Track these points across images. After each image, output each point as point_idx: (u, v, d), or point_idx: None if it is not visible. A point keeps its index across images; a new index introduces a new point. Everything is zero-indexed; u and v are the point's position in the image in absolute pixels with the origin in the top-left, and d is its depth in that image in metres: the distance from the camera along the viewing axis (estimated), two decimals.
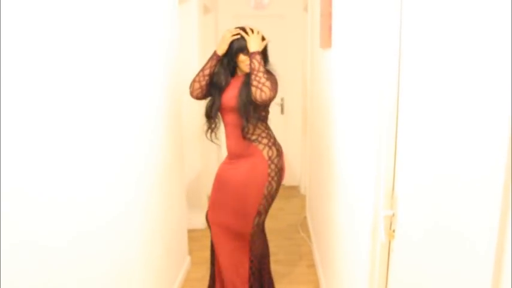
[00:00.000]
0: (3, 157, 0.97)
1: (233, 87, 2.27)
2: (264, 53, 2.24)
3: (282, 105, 4.65)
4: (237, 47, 2.22)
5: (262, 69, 2.11)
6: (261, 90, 2.07)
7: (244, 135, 2.25)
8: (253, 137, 2.26)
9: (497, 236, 0.69)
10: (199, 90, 2.30)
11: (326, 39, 2.45)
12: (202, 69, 2.29)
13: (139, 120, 1.93)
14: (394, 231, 1.20)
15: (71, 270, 1.29)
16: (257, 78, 2.08)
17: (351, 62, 1.78)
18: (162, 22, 2.35)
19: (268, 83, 2.08)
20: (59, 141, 1.22)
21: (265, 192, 2.27)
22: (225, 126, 2.34)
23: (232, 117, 2.27)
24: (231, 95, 2.25)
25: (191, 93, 2.34)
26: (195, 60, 3.34)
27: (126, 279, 1.77)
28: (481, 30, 0.77)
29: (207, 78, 2.28)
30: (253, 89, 2.09)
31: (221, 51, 2.25)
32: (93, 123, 1.44)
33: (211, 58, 2.28)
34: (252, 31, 2.21)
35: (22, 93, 1.05)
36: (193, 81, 2.31)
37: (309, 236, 3.49)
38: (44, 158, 1.14)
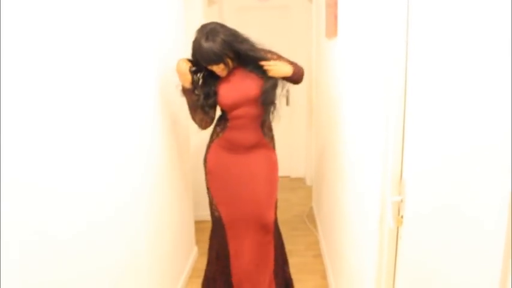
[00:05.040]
0: (13, 151, 0.98)
1: (238, 80, 2.13)
2: (234, 50, 2.02)
3: (287, 97, 4.62)
4: (205, 62, 2.01)
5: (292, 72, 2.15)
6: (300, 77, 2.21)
7: (263, 126, 2.22)
8: (266, 129, 2.26)
9: (507, 221, 0.69)
10: (204, 120, 2.21)
11: (332, 29, 2.43)
12: (189, 108, 2.17)
13: (145, 110, 1.93)
14: (402, 217, 1.20)
15: (79, 261, 1.30)
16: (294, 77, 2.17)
17: (357, 50, 1.77)
18: (166, 14, 2.34)
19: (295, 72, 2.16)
20: (64, 133, 1.22)
21: (278, 178, 2.34)
22: (238, 119, 2.18)
23: (247, 110, 2.15)
24: (244, 88, 2.12)
25: (202, 128, 2.25)
26: None
27: (134, 270, 1.79)
28: (488, 9, 0.76)
29: (198, 109, 2.16)
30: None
31: (188, 83, 2.08)
32: (99, 114, 1.44)
33: (185, 94, 2.13)
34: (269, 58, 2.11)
35: (29, 94, 1.06)
36: (193, 119, 2.20)
37: (315, 227, 3.51)
38: (51, 150, 1.15)
